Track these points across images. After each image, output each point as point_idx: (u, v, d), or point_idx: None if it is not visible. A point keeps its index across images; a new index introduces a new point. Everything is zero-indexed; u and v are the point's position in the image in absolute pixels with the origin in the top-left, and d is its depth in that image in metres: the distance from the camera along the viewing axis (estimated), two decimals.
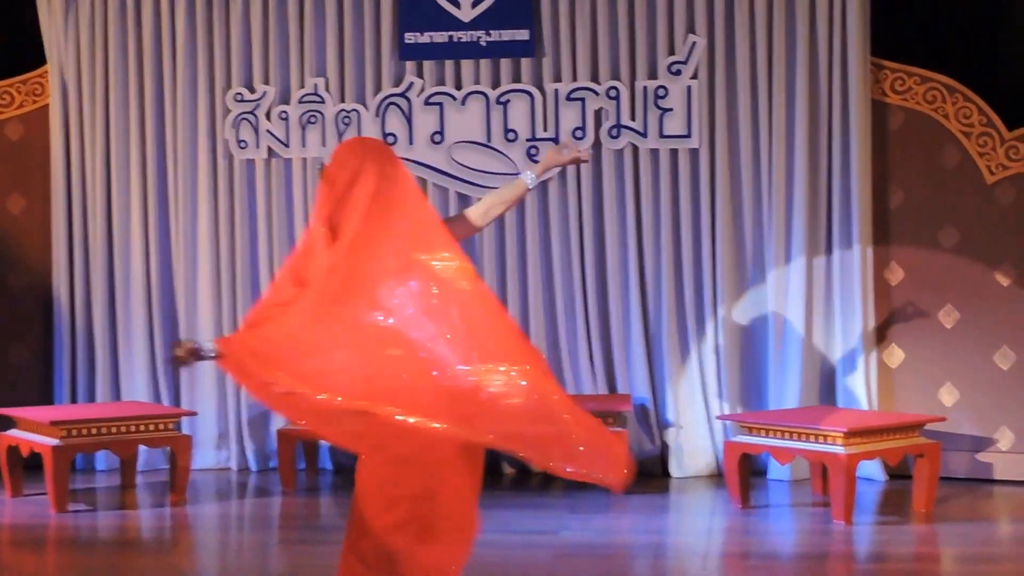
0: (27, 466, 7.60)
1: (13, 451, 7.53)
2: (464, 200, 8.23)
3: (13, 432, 7.57)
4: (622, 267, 8.19)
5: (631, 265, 8.17)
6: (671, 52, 8.12)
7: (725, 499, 7.33)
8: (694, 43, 8.08)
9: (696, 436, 8.10)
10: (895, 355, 7.97)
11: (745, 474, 7.16)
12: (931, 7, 8.04)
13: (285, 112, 8.36)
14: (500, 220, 8.20)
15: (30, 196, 8.57)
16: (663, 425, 8.15)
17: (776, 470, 7.92)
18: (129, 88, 8.47)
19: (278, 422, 8.10)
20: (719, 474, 7.94)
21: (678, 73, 8.10)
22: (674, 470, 8.09)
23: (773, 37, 8.02)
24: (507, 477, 8.17)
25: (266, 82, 8.40)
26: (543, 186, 8.18)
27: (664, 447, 8.14)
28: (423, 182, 8.26)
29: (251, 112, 8.37)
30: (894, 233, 8.00)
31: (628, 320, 8.18)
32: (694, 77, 8.09)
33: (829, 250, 8.03)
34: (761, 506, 7.27)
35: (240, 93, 8.38)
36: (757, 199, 8.11)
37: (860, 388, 7.89)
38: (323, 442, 8.09)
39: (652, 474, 8.05)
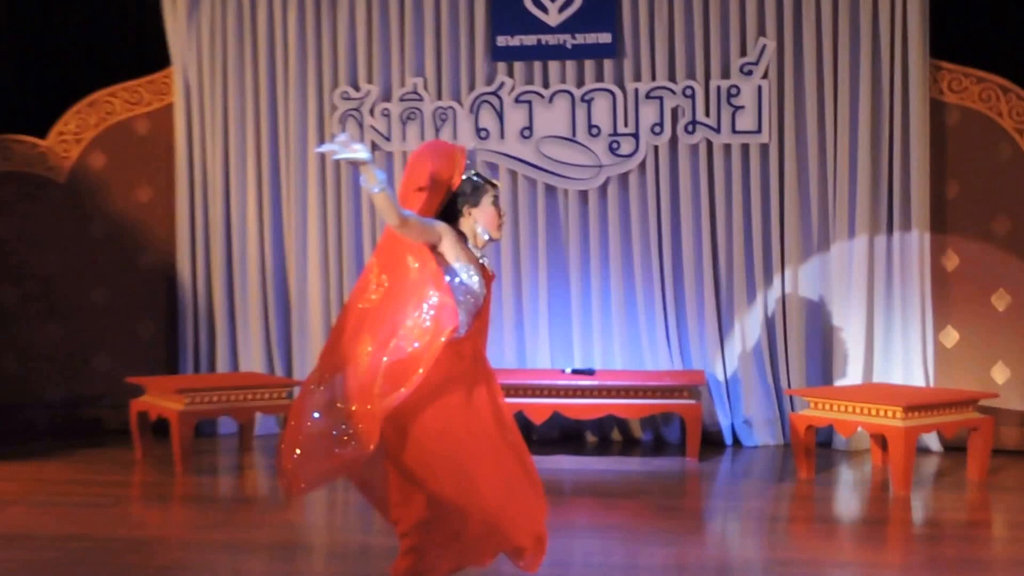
0: (155, 429, 7.83)
1: (143, 416, 7.75)
2: (551, 191, 8.34)
3: (143, 398, 7.78)
4: (696, 253, 8.24)
5: (704, 251, 8.22)
6: (743, 54, 8.15)
7: (791, 468, 7.37)
8: (764, 45, 8.10)
9: (764, 409, 8.15)
10: (951, 336, 7.97)
11: (810, 445, 7.18)
12: (987, 11, 7.99)
13: (387, 109, 8.49)
14: (585, 210, 8.33)
15: (157, 186, 8.77)
16: (734, 399, 8.21)
17: (839, 441, 7.96)
18: (245, 87, 8.64)
19: None
20: (786, 444, 8.01)
21: (749, 73, 8.13)
22: (744, 440, 8.16)
23: (838, 40, 8.03)
24: (590, 444, 8.26)
25: (370, 81, 8.53)
26: (623, 178, 8.26)
27: (735, 419, 8.21)
28: (513, 174, 8.38)
29: (356, 109, 8.52)
30: (950, 222, 7.99)
31: (702, 302, 8.23)
32: (764, 77, 8.11)
33: (890, 239, 8.02)
34: (825, 474, 7.31)
35: (346, 91, 8.53)
36: (823, 191, 8.12)
37: (918, 366, 7.91)
38: None
39: (724, 444, 8.14)
